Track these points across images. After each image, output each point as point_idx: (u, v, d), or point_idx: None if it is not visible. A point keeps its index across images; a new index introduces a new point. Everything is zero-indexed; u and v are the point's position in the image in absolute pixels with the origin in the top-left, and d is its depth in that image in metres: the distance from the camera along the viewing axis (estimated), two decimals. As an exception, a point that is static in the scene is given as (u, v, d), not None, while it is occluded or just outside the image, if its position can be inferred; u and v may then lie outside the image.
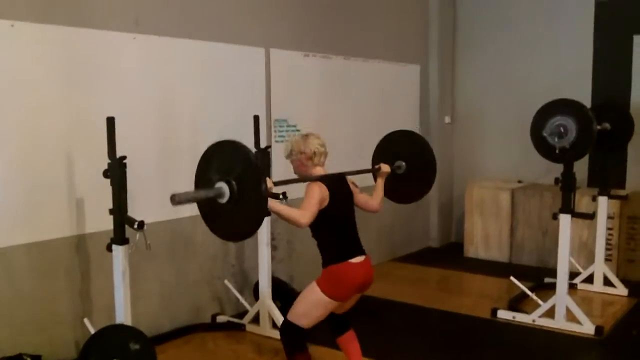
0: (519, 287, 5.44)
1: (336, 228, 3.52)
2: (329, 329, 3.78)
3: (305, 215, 3.33)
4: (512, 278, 5.42)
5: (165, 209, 4.65)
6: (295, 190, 3.80)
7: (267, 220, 4.74)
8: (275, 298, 4.83)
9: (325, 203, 3.43)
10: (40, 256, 3.99)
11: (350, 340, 3.80)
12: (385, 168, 4.06)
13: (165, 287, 4.82)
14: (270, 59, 5.45)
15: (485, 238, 7.28)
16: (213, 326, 4.98)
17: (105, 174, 3.63)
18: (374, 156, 4.36)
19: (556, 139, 4.79)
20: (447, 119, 7.89)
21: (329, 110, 6.10)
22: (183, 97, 4.79)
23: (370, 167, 4.22)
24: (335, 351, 4.07)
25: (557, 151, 4.78)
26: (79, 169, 4.14)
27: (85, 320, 4.00)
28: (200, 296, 5.09)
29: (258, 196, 2.94)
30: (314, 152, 3.56)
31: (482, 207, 7.26)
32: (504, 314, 5.18)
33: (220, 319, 5.06)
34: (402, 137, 4.36)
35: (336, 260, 3.47)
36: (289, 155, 3.64)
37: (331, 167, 3.75)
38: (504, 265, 6.96)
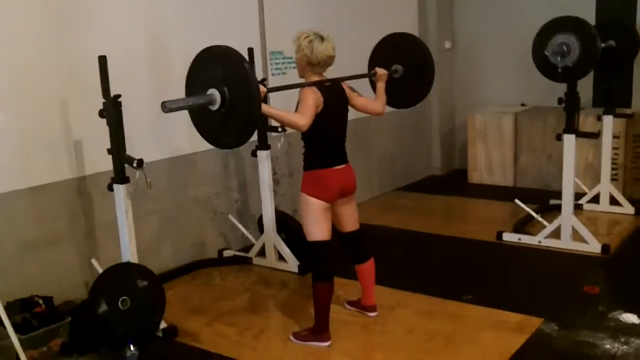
0: (524, 210, 5.51)
1: (325, 136, 3.54)
2: (349, 257, 3.89)
3: (304, 117, 3.35)
4: (516, 201, 5.48)
5: (163, 147, 4.78)
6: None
7: (267, 155, 4.76)
8: (279, 230, 4.91)
9: (319, 109, 3.44)
10: (42, 200, 4.03)
11: (369, 269, 3.90)
12: (381, 71, 4.03)
13: (169, 225, 4.88)
14: (263, -12, 5.39)
15: (488, 164, 7.31)
16: (219, 261, 5.07)
17: (101, 113, 3.64)
18: (370, 62, 4.34)
19: (559, 58, 4.76)
20: (448, 45, 7.80)
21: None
22: (174, 32, 4.75)
23: (366, 74, 4.18)
24: (351, 281, 4.16)
25: (559, 70, 4.75)
26: (74, 112, 4.13)
27: (93, 261, 4.07)
28: (206, 232, 5.17)
29: (250, 101, 2.95)
30: (319, 62, 3.51)
31: (485, 133, 7.26)
32: (509, 237, 5.26)
33: (227, 253, 5.16)
34: (397, 40, 4.34)
35: (317, 166, 3.54)
36: (296, 52, 3.57)
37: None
38: (508, 189, 7.01)
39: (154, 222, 4.78)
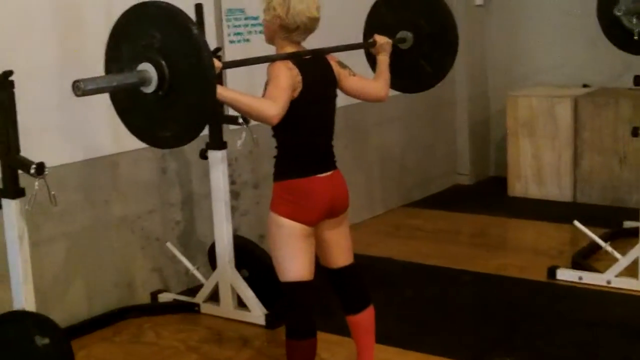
0: (586, 236, 5.53)
1: (305, 130, 3.54)
2: (340, 304, 3.87)
3: (274, 104, 3.31)
4: (576, 223, 5.53)
5: (75, 145, 4.78)
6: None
7: (223, 156, 4.78)
8: (239, 265, 4.92)
9: (296, 93, 3.43)
10: None
11: (366, 324, 3.86)
12: (382, 40, 4.03)
13: (82, 257, 4.89)
14: None
15: (537, 169, 7.40)
16: (153, 308, 5.12)
17: (-16, 98, 3.64)
18: (366, 28, 4.35)
19: (635, 20, 4.81)
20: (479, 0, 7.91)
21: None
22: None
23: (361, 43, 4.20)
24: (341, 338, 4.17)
25: (636, 37, 4.81)
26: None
27: (-30, 308, 4.05)
28: (134, 267, 5.18)
29: (201, 80, 2.95)
30: (297, 27, 3.50)
31: (531, 126, 7.36)
32: (566, 275, 5.31)
33: (164, 297, 5.19)
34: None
35: (294, 174, 3.54)
36: (265, 11, 3.54)
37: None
38: (566, 206, 7.07)
39: (60, 253, 4.78)
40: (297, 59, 3.50)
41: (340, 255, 3.81)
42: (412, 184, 7.59)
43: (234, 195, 5.66)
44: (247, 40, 5.65)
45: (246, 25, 5.65)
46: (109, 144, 4.91)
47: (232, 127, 4.82)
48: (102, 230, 4.98)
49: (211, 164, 4.81)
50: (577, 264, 5.43)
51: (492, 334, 4.60)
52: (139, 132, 3.30)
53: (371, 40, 4.06)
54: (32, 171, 3.55)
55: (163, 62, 3.02)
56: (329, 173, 3.62)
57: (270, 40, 3.62)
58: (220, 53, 4.72)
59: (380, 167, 7.20)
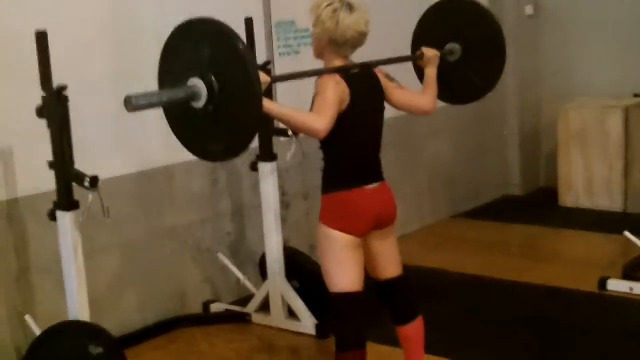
0: (637, 246, 5.51)
1: (352, 143, 3.56)
2: (388, 314, 3.88)
3: (321, 117, 3.35)
4: (626, 233, 5.52)
5: (128, 158, 4.86)
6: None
7: (273, 168, 4.82)
8: (290, 276, 4.96)
9: (344, 105, 3.46)
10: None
11: (415, 335, 3.87)
12: (430, 52, 4.06)
13: (135, 267, 4.97)
14: None
15: (588, 180, 7.38)
16: (205, 318, 5.18)
17: (40, 111, 3.71)
18: (414, 40, 4.36)
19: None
20: (529, 10, 7.93)
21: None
22: (141, 2, 4.89)
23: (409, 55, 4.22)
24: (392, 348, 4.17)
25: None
26: (3, 107, 4.23)
27: (27, 318, 4.14)
28: (186, 277, 5.26)
29: (248, 95, 3.01)
30: (346, 41, 3.54)
31: (582, 137, 7.35)
32: (616, 285, 5.29)
33: (215, 307, 5.24)
34: (453, 9, 4.38)
35: (341, 187, 3.56)
36: (314, 25, 3.58)
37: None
38: (616, 216, 7.03)
39: (113, 263, 4.86)
40: (345, 72, 3.53)
41: (388, 267, 3.82)
42: (462, 194, 7.58)
43: (284, 206, 5.70)
44: (297, 52, 5.71)
45: (295, 38, 5.70)
46: (162, 156, 4.98)
47: (281, 139, 4.86)
48: (154, 241, 5.06)
49: (261, 175, 4.86)
50: (628, 275, 5.39)
51: (542, 346, 4.58)
52: (191, 146, 3.37)
53: (419, 52, 4.09)
54: (86, 184, 3.63)
55: (212, 78, 3.08)
56: (376, 185, 3.64)
57: (318, 54, 3.65)
58: (269, 66, 4.76)
59: (429, 178, 7.22)
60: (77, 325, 3.82)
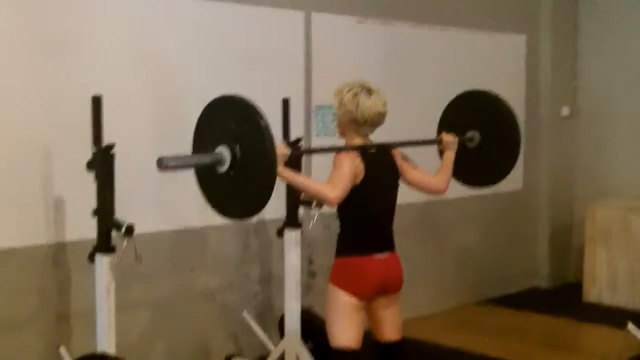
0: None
1: (365, 214, 3.98)
2: None
3: (335, 188, 3.78)
4: (630, 326, 5.74)
5: (166, 216, 5.33)
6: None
7: (297, 236, 5.21)
8: (306, 337, 5.26)
9: (358, 180, 3.89)
10: (6, 269, 4.60)
11: None
12: (448, 138, 4.47)
13: (165, 319, 5.36)
14: (311, 26, 6.02)
15: (611, 277, 7.58)
16: (225, 371, 5.50)
17: (89, 165, 4.20)
18: (439, 126, 4.79)
19: None
20: (566, 111, 8.26)
21: (391, 98, 6.51)
22: (189, 73, 5.37)
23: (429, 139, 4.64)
24: None
25: None
26: (58, 162, 4.73)
27: (62, 349, 4.56)
28: (211, 332, 5.63)
29: (263, 162, 3.46)
30: (365, 121, 3.99)
31: (607, 235, 7.57)
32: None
33: (237, 362, 5.59)
34: (475, 100, 4.81)
35: (353, 253, 3.96)
36: (337, 107, 4.06)
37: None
38: (638, 314, 7.18)
39: (145, 313, 5.27)
40: (362, 150, 3.96)
41: (389, 331, 4.17)
42: (488, 282, 7.82)
43: (312, 274, 6.07)
44: (334, 134, 6.12)
45: (333, 121, 6.08)
46: (197, 217, 5.38)
47: (306, 209, 5.26)
48: (185, 297, 5.45)
49: (286, 242, 5.21)
50: (631, 368, 5.58)
51: None
52: (214, 204, 3.84)
53: (438, 137, 4.51)
54: (123, 231, 4.08)
55: (237, 147, 3.56)
56: (386, 255, 4.02)
57: (342, 133, 4.11)
58: (300, 143, 5.18)
59: (454, 262, 7.47)
60: (104, 358, 4.23)
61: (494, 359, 6.03)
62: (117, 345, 4.44)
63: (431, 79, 6.90)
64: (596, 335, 6.81)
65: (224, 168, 3.62)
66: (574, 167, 8.43)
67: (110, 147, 4.17)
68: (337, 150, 4.04)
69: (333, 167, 3.94)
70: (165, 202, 5.29)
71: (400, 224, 6.50)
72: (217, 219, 5.28)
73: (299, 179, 3.81)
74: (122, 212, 4.28)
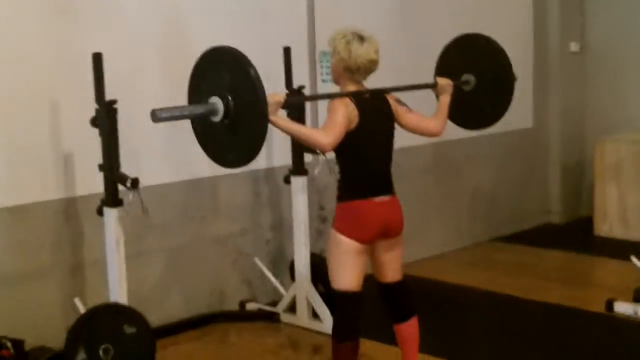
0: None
1: (362, 159, 4.01)
2: (387, 313, 4.33)
3: (328, 134, 3.82)
4: (633, 258, 5.80)
5: (177, 167, 5.43)
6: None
7: (304, 183, 5.31)
8: (316, 280, 5.38)
9: (353, 125, 3.91)
10: (21, 224, 4.72)
11: (410, 332, 4.32)
12: (444, 82, 4.49)
13: (180, 267, 5.50)
14: (314, -29, 6.06)
15: (622, 211, 7.64)
16: (240, 315, 5.66)
17: (94, 121, 4.30)
18: (436, 69, 4.83)
19: None
20: (574, 47, 8.24)
21: (396, 40, 6.58)
22: (195, 25, 5.42)
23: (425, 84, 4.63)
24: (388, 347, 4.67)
25: None
26: (66, 119, 4.82)
27: (76, 300, 4.69)
28: (226, 278, 5.77)
29: (255, 109, 3.53)
30: (358, 67, 4.01)
31: (617, 170, 7.63)
32: (622, 308, 5.57)
33: (251, 306, 5.73)
34: (470, 43, 4.84)
35: (353, 196, 4.00)
36: (331, 55, 4.08)
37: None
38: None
39: (160, 262, 5.41)
40: (356, 96, 3.99)
41: (390, 273, 4.24)
42: (502, 220, 7.90)
43: (322, 220, 6.16)
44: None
45: (332, 67, 6.18)
46: (208, 168, 5.42)
47: (312, 156, 5.38)
48: (198, 244, 5.59)
49: (293, 189, 5.34)
50: (638, 298, 5.61)
51: (537, 357, 4.93)
52: (211, 154, 3.91)
53: (433, 81, 4.54)
54: (128, 185, 4.19)
55: (229, 97, 3.62)
56: (386, 198, 4.06)
57: (336, 80, 4.14)
58: (304, 90, 5.23)
59: (470, 201, 7.57)
60: (116, 307, 4.38)
61: (504, 295, 6.13)
62: (133, 295, 4.64)
63: (438, 20, 6.88)
64: (606, 269, 6.90)
65: (217, 118, 3.68)
66: (584, 103, 8.43)
67: (112, 102, 4.27)
68: (332, 97, 4.08)
69: (327, 113, 3.98)
70: (176, 154, 5.38)
71: (412, 166, 6.71)
72: (226, 169, 5.45)
73: (292, 126, 3.84)
74: (136, 165, 4.47)
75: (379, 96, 4.14)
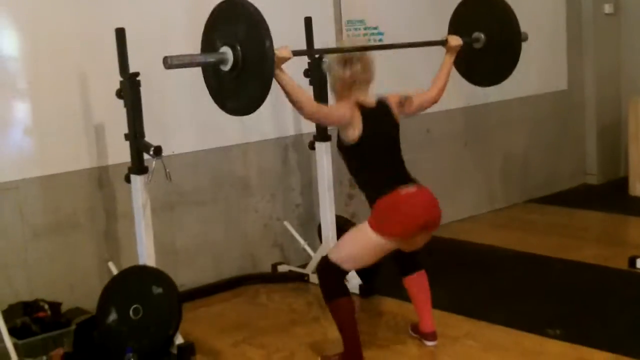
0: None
1: (375, 162, 4.17)
2: (396, 267, 4.52)
3: (316, 107, 4.04)
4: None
5: (206, 135, 5.62)
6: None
7: (327, 148, 5.42)
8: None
9: (357, 133, 4.09)
10: (56, 192, 4.95)
11: (419, 283, 4.51)
12: (453, 41, 4.66)
13: (212, 232, 5.71)
14: None
15: (656, 170, 7.65)
16: (270, 277, 5.86)
17: (119, 93, 4.49)
18: (450, 27, 5.01)
19: None
20: (608, 8, 8.26)
21: (427, 4, 6.67)
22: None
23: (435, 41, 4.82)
24: (401, 302, 4.86)
25: None
26: (96, 90, 5.03)
27: (110, 264, 4.90)
28: (258, 242, 5.97)
29: (263, 64, 3.70)
30: (354, 81, 4.19)
31: (652, 129, 7.61)
32: (645, 264, 5.64)
33: (282, 268, 5.92)
34: (485, 3, 5.00)
35: (382, 192, 4.10)
36: (328, 73, 4.33)
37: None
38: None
39: (193, 227, 5.61)
40: (362, 105, 4.15)
41: (411, 249, 4.38)
42: (537, 183, 8.00)
43: (353, 185, 6.25)
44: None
45: (365, 35, 6.28)
46: (236, 135, 5.70)
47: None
48: (229, 210, 5.78)
49: (318, 154, 5.47)
50: (661, 256, 5.70)
51: (550, 311, 5.01)
52: (216, 98, 4.15)
53: (444, 38, 4.70)
54: (151, 152, 4.36)
55: (239, 48, 3.81)
56: (412, 188, 4.14)
57: (339, 98, 4.29)
58: (325, 60, 5.34)
59: (502, 164, 7.65)
60: (144, 269, 4.59)
61: (529, 254, 6.24)
62: (167, 258, 4.95)
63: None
64: (636, 228, 6.97)
65: (227, 67, 3.88)
66: (619, 65, 8.44)
67: (135, 74, 4.44)
68: (340, 50, 4.36)
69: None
70: (204, 123, 5.54)
71: (444, 130, 6.80)
72: (256, 135, 5.64)
73: (291, 83, 3.90)
74: (165, 134, 4.78)
75: (382, 104, 4.28)
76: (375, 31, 6.32)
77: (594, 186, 8.37)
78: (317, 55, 5.23)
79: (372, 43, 6.24)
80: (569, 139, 8.30)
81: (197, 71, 5.19)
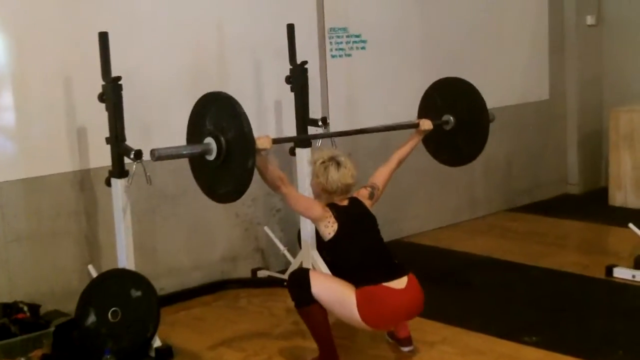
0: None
1: (355, 257, 4.26)
2: None
3: (288, 187, 4.25)
4: (631, 225, 5.88)
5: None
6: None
7: (308, 154, 5.42)
8: (321, 248, 5.49)
9: (331, 231, 4.23)
10: (38, 195, 4.97)
11: None
12: (425, 125, 4.90)
13: (193, 236, 5.74)
14: None
15: (636, 180, 7.73)
16: (249, 282, 5.89)
17: (101, 97, 4.52)
18: (420, 110, 5.25)
19: None
20: (591, 20, 8.31)
21: (410, 14, 6.72)
22: (204, 4, 5.61)
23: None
24: None
25: None
26: (79, 94, 5.05)
27: (90, 267, 4.95)
28: (238, 246, 5.99)
29: (245, 151, 3.88)
30: (335, 191, 4.35)
31: (632, 139, 7.70)
32: (621, 273, 5.70)
33: (262, 273, 5.96)
34: (455, 86, 5.20)
35: (367, 282, 4.15)
36: (312, 177, 4.50)
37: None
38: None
39: (175, 232, 5.64)
40: (332, 207, 4.30)
41: None
42: (519, 191, 8.06)
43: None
44: (349, 55, 6.38)
45: (348, 42, 6.34)
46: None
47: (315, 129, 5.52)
48: (211, 214, 5.78)
49: (298, 160, 5.51)
50: (638, 265, 5.75)
51: (527, 318, 5.06)
52: (205, 188, 4.32)
53: (416, 121, 4.95)
54: (132, 156, 4.39)
55: (222, 138, 3.98)
56: (403, 282, 4.18)
57: (317, 197, 4.47)
58: (306, 66, 5.41)
59: (484, 171, 7.67)
60: (123, 272, 4.62)
61: (507, 261, 6.31)
62: (148, 262, 5.01)
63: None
64: (614, 237, 7.03)
65: (211, 157, 4.05)
66: (601, 75, 8.51)
67: (117, 79, 4.47)
68: (315, 138, 5.04)
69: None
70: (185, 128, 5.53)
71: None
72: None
73: (271, 168, 4.19)
74: (149, 137, 4.88)
75: (354, 201, 4.43)
76: (358, 39, 6.37)
77: (574, 196, 8.43)
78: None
79: (354, 50, 6.33)
80: (551, 148, 8.35)
81: (180, 77, 5.28)
